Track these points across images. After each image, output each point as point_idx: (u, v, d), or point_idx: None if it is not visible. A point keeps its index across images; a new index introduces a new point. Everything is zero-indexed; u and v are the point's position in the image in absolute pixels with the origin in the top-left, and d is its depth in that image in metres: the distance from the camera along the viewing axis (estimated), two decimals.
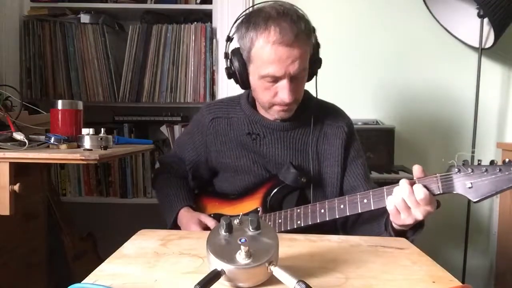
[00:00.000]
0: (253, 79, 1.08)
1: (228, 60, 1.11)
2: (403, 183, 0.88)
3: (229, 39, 1.11)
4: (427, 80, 2.01)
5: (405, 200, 0.87)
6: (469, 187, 0.84)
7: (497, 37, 1.78)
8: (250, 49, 1.03)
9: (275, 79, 1.02)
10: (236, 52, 1.08)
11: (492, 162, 0.84)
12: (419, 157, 2.00)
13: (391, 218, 0.91)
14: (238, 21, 1.08)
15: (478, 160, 0.85)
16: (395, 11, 1.99)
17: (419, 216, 0.87)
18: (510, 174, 0.81)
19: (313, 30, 1.07)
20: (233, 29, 1.10)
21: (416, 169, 0.90)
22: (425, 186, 0.87)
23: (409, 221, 0.88)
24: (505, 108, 2.03)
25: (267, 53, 0.99)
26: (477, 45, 1.85)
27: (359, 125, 1.83)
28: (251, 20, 1.02)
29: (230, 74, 1.12)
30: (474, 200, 0.84)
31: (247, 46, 1.04)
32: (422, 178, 0.89)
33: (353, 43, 1.99)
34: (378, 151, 1.81)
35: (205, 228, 1.11)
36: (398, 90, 2.02)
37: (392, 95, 2.02)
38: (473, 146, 1.86)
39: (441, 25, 1.94)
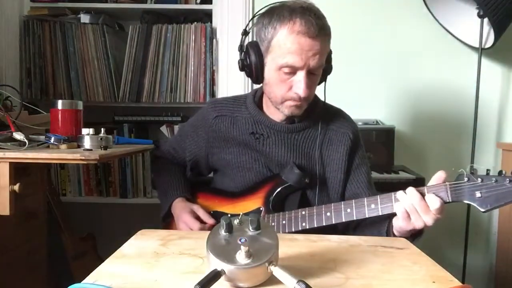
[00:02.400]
0: (269, 71, 1.07)
1: (243, 52, 1.11)
2: (412, 191, 0.89)
3: (245, 33, 1.13)
4: (427, 80, 2.01)
5: (416, 208, 0.88)
6: (478, 197, 0.85)
7: (497, 37, 1.78)
8: (272, 39, 1.03)
9: (293, 71, 1.03)
10: (254, 44, 1.08)
11: (500, 173, 0.85)
12: (419, 157, 2.00)
13: (401, 223, 0.91)
14: (258, 15, 1.09)
15: (487, 170, 0.86)
16: (395, 11, 1.99)
17: (429, 223, 0.89)
18: None
19: None
20: (251, 23, 1.12)
21: (436, 177, 0.91)
22: (436, 195, 0.88)
23: (419, 224, 0.89)
24: (505, 108, 2.03)
25: (290, 42, 1.00)
26: (477, 45, 1.84)
27: (359, 125, 1.83)
28: (275, 12, 1.04)
29: (244, 66, 1.11)
30: (483, 210, 0.85)
31: (268, 35, 1.04)
32: (431, 186, 0.90)
33: (353, 43, 1.99)
34: (378, 151, 1.81)
35: (197, 218, 1.12)
36: (398, 90, 2.02)
37: (392, 95, 2.02)
38: (473, 146, 1.85)
39: (441, 25, 1.94)
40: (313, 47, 1.00)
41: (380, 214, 0.94)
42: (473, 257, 1.99)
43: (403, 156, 1.93)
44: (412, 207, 0.88)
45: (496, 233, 2.01)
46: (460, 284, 0.61)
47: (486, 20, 1.78)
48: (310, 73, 1.03)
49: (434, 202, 0.87)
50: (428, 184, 0.92)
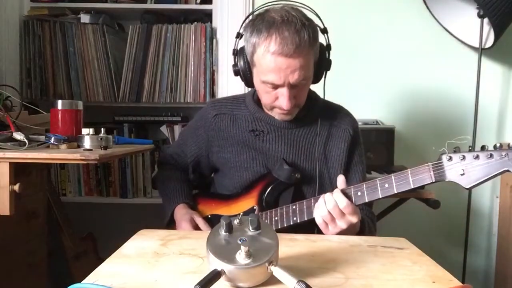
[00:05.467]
0: (256, 81, 1.10)
1: (236, 57, 1.12)
2: (328, 196, 0.92)
3: (238, 35, 1.12)
4: (427, 80, 2.01)
5: (330, 212, 0.91)
6: (461, 174, 0.84)
7: (497, 37, 1.77)
8: (252, 54, 1.05)
9: (275, 86, 1.04)
10: (243, 51, 1.10)
11: (483, 148, 0.84)
12: (419, 157, 1.99)
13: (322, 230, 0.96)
14: (247, 20, 1.09)
15: (469, 146, 0.85)
16: (395, 11, 1.99)
17: (343, 226, 0.91)
18: (501, 158, 0.81)
19: (324, 31, 1.09)
20: (242, 27, 1.11)
21: (340, 181, 0.96)
22: (346, 195, 0.92)
23: (334, 231, 0.93)
24: (505, 108, 2.03)
25: (267, 61, 1.00)
26: (477, 45, 1.84)
27: (360, 125, 1.83)
28: (255, 24, 1.02)
29: (236, 71, 1.13)
30: (467, 187, 0.84)
31: (249, 50, 1.05)
32: (347, 188, 0.94)
33: (353, 43, 1.99)
34: (378, 151, 1.81)
35: (195, 227, 1.13)
36: (398, 90, 2.02)
37: (392, 95, 2.02)
38: (473, 145, 1.85)
39: (441, 25, 1.94)
40: (291, 65, 0.99)
41: (367, 201, 0.94)
42: (473, 257, 1.99)
43: (403, 156, 1.93)
44: (327, 213, 0.91)
45: (496, 233, 2.01)
46: (460, 284, 0.61)
47: (486, 20, 1.78)
48: (294, 85, 1.03)
49: (341, 201, 0.90)
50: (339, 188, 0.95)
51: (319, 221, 0.94)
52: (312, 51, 1.03)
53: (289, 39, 0.96)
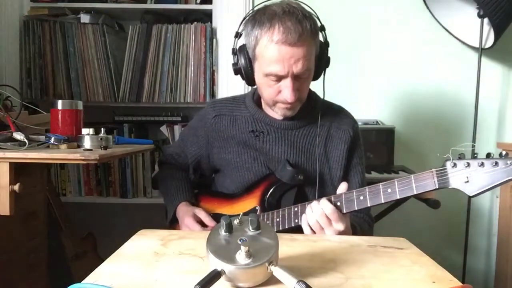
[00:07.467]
0: (258, 77, 1.09)
1: (235, 56, 1.12)
2: (315, 204, 0.92)
3: (237, 35, 1.12)
4: (427, 80, 2.01)
5: (317, 220, 0.91)
6: (465, 181, 0.82)
7: (497, 37, 1.78)
8: (255, 47, 1.04)
9: (279, 78, 1.03)
10: (243, 49, 1.10)
11: (488, 155, 0.82)
12: (419, 157, 2.00)
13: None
14: (246, 18, 1.09)
15: (474, 153, 0.84)
16: (395, 11, 1.99)
17: (332, 234, 0.91)
18: (507, 167, 0.80)
19: (321, 28, 1.08)
20: (241, 26, 1.11)
21: (342, 188, 0.96)
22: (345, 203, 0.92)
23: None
24: (505, 108, 2.03)
25: (271, 52, 1.00)
26: (477, 45, 1.85)
27: (360, 125, 1.83)
28: (257, 18, 1.03)
29: (237, 70, 1.13)
30: (471, 195, 0.82)
31: (252, 44, 1.05)
32: (338, 195, 0.94)
33: (353, 43, 1.99)
34: (378, 151, 1.81)
35: (199, 221, 1.13)
36: (398, 90, 2.02)
37: (392, 95, 2.02)
38: (473, 146, 1.85)
39: (441, 25, 1.94)
40: (294, 54, 0.99)
41: (369, 205, 0.93)
42: (473, 257, 1.99)
43: (403, 156, 1.93)
44: (315, 222, 0.91)
45: (496, 234, 2.01)
46: (460, 284, 0.61)
47: (486, 20, 1.78)
48: (297, 77, 1.03)
49: (326, 208, 0.90)
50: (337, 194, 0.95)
51: (306, 232, 0.94)
52: (314, 42, 1.04)
53: (292, 28, 0.97)
